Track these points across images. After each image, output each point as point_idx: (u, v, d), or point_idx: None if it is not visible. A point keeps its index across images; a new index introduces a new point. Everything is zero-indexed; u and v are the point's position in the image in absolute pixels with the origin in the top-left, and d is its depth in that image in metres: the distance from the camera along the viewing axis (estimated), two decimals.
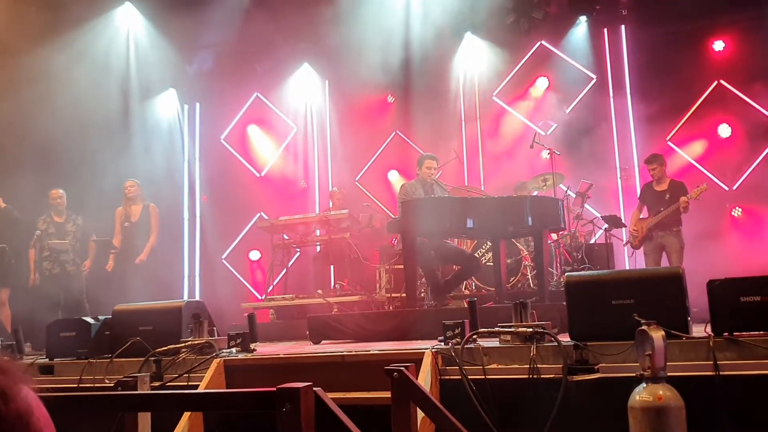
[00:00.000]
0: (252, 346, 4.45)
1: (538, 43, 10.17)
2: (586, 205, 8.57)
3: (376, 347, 4.31)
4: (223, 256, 11.39)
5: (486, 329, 3.88)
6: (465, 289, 7.82)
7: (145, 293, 7.52)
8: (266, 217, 9.84)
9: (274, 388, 2.12)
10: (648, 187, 7.89)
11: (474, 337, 3.83)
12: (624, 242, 7.92)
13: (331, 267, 9.60)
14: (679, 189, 7.59)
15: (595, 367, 3.45)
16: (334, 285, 9.08)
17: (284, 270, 9.24)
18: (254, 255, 11.12)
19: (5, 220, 7.82)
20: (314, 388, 2.17)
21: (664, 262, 7.55)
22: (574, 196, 8.42)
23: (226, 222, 11.22)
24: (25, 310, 7.57)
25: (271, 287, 9.23)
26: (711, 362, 3.26)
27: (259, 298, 10.22)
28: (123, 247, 8.05)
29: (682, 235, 7.51)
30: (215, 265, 11.33)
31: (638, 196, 8.14)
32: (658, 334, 3.06)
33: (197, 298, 10.71)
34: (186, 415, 3.66)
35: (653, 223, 7.53)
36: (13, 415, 0.79)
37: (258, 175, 11.56)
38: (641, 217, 7.83)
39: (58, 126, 8.69)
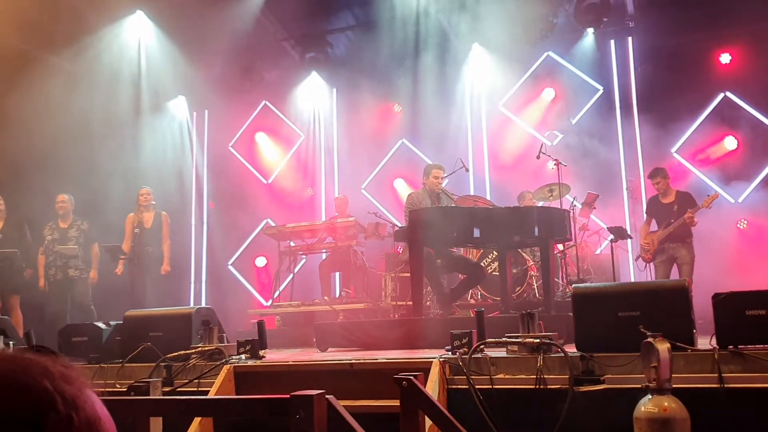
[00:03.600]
0: (261, 353, 4.49)
1: (545, 54, 10.23)
2: (592, 216, 8.61)
3: (383, 355, 4.35)
4: (230, 263, 11.45)
5: (493, 339, 3.92)
6: (471, 298, 7.84)
7: (155, 299, 7.60)
8: (273, 224, 9.90)
9: (288, 395, 2.17)
10: (654, 201, 7.89)
11: (481, 347, 3.88)
12: (636, 257, 7.89)
13: (337, 274, 9.65)
14: (687, 199, 7.59)
15: (601, 378, 3.49)
16: (340, 292, 9.12)
17: (290, 276, 9.29)
18: (260, 261, 11.17)
19: (16, 229, 7.87)
20: (327, 396, 2.22)
21: (674, 274, 7.56)
22: (580, 206, 8.46)
23: (233, 228, 11.28)
24: (33, 316, 7.64)
25: (277, 294, 9.28)
26: (716, 375, 3.29)
27: (265, 304, 10.27)
28: (134, 253, 8.09)
29: (693, 247, 7.52)
30: (221, 272, 11.39)
31: (645, 210, 8.15)
32: (663, 346, 3.10)
33: (203, 304, 10.76)
34: (197, 420, 3.70)
35: (664, 235, 7.52)
36: (85, 424, 0.80)
37: (265, 182, 11.63)
38: (651, 230, 7.83)
39: (69, 132, 8.78)
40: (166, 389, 4.15)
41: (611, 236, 7.76)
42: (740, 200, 9.00)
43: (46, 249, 7.94)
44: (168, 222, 8.35)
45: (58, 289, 7.87)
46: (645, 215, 8.06)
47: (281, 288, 9.47)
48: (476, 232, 6.09)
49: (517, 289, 7.67)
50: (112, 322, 5.00)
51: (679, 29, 9.12)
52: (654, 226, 7.82)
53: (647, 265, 7.88)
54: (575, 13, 9.63)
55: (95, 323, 4.94)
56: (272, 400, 2.30)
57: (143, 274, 8.02)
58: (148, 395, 3.50)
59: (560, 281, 7.60)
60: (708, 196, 7.42)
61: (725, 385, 3.26)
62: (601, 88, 9.96)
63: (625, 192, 9.28)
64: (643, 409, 3.08)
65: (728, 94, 9.32)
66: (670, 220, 7.52)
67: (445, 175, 7.09)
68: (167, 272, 8.12)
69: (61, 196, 8.12)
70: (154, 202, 8.32)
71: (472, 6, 9.45)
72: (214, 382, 4.11)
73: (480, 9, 9.37)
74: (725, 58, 9.35)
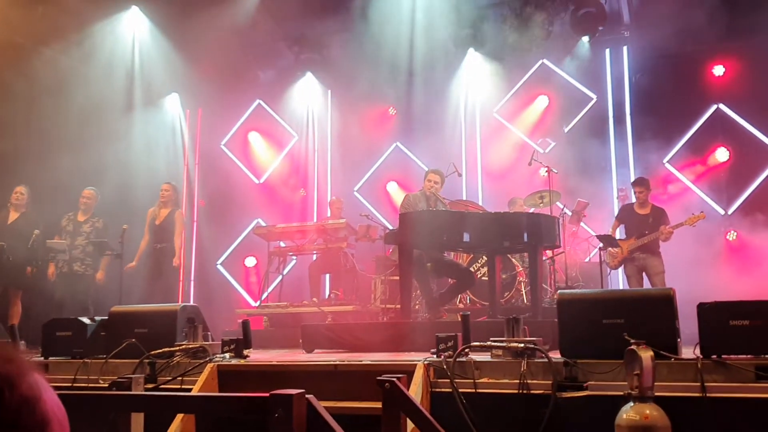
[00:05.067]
0: (245, 352, 4.48)
1: (540, 62, 10.26)
2: (581, 224, 8.63)
3: (368, 358, 4.35)
4: (219, 262, 11.41)
5: (478, 343, 3.92)
6: (459, 302, 7.85)
7: (159, 296, 7.57)
8: (263, 224, 9.88)
9: (268, 394, 2.16)
10: (629, 209, 7.94)
11: (466, 350, 3.87)
12: (600, 261, 7.89)
13: (327, 276, 9.63)
14: (661, 214, 7.70)
15: (584, 385, 3.49)
16: (329, 294, 9.10)
17: (279, 277, 9.27)
18: (250, 261, 11.14)
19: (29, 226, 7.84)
20: (306, 396, 2.21)
21: (645, 284, 7.62)
22: (570, 214, 8.48)
23: (223, 227, 11.25)
24: (33, 309, 7.61)
25: (265, 294, 9.25)
26: (699, 384, 3.30)
27: (253, 304, 10.24)
28: (148, 248, 8.14)
29: (662, 258, 7.60)
30: (210, 270, 11.34)
31: (616, 215, 8.18)
32: (646, 354, 3.10)
33: (191, 302, 10.72)
34: (179, 417, 3.68)
35: (636, 245, 7.59)
36: (17, 401, 0.83)
37: (257, 181, 11.60)
38: (618, 238, 7.87)
39: (60, 126, 8.74)
40: (149, 386, 4.13)
41: (600, 244, 7.79)
42: (730, 212, 9.05)
43: (34, 242, 7.87)
44: (182, 219, 8.37)
45: (61, 282, 7.83)
46: (614, 220, 8.09)
47: (270, 289, 9.45)
48: (466, 237, 6.10)
49: (506, 294, 7.68)
50: (97, 318, 4.97)
51: (674, 40, 9.16)
52: (621, 234, 7.88)
53: (610, 271, 7.94)
54: (571, 21, 9.66)
55: (80, 318, 4.91)
56: (251, 398, 2.28)
57: (151, 270, 8.01)
58: (130, 391, 3.48)
59: (548, 287, 7.61)
60: (693, 214, 7.46)
61: (707, 394, 3.27)
62: (594, 96, 10.00)
63: (615, 201, 9.31)
64: (624, 416, 3.08)
65: (721, 106, 9.37)
66: (644, 231, 7.58)
67: (442, 180, 7.03)
68: (177, 265, 8.18)
69: (87, 191, 8.14)
70: (174, 198, 8.36)
71: (469, 12, 9.46)
72: (197, 380, 4.10)
73: (476, 15, 9.39)
74: (719, 70, 9.41)
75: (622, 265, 7.79)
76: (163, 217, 8.21)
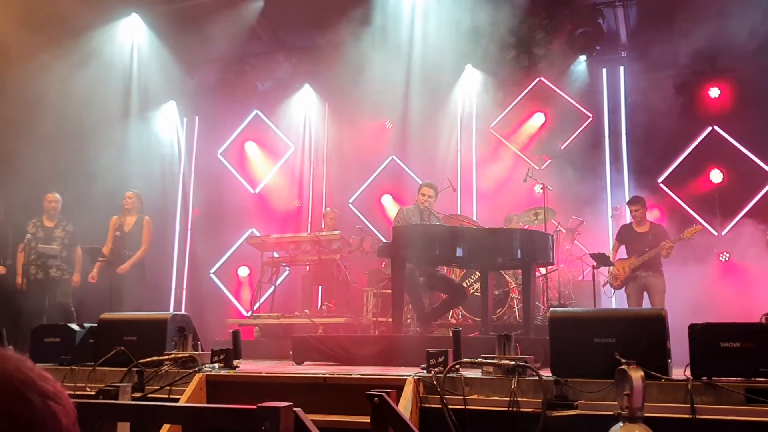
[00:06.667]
0: (235, 362, 4.45)
1: (537, 79, 10.29)
2: (575, 242, 8.64)
3: (358, 371, 4.32)
4: (212, 271, 11.37)
5: (469, 359, 3.91)
6: (451, 318, 7.82)
7: (131, 303, 7.52)
8: (258, 234, 9.85)
9: (255, 406, 2.15)
10: (628, 228, 7.93)
11: (457, 366, 3.86)
12: (603, 283, 7.85)
13: (319, 287, 9.61)
14: (661, 231, 7.70)
15: (574, 404, 3.47)
16: (321, 306, 9.08)
17: (272, 288, 9.25)
18: (243, 271, 11.10)
19: None
20: (294, 409, 2.19)
21: (645, 302, 7.60)
22: (564, 231, 8.49)
23: (217, 236, 11.21)
24: (9, 314, 7.55)
25: (257, 305, 9.22)
26: (688, 405, 3.29)
27: (245, 314, 10.20)
28: (111, 256, 8.00)
29: (664, 276, 7.59)
30: (203, 279, 11.30)
31: (616, 236, 8.18)
32: (637, 375, 3.10)
33: (183, 310, 10.66)
34: (165, 427, 3.65)
35: (638, 263, 7.58)
36: (70, 427, 0.80)
37: (252, 191, 11.59)
38: (619, 257, 7.87)
39: (57, 131, 8.72)
40: (137, 395, 4.10)
41: (594, 263, 7.78)
42: (723, 233, 9.07)
43: (26, 246, 7.83)
44: (149, 227, 8.19)
45: (37, 288, 7.76)
46: (614, 241, 8.09)
47: (262, 299, 9.41)
48: (459, 252, 6.09)
49: (498, 310, 7.66)
50: (86, 324, 4.94)
51: (670, 61, 9.22)
52: (622, 253, 7.87)
53: (614, 291, 7.92)
54: (568, 40, 9.71)
55: (68, 324, 4.87)
56: (239, 410, 2.27)
57: (119, 278, 7.93)
58: (117, 400, 3.45)
59: (541, 305, 7.59)
60: (693, 226, 7.47)
61: (697, 416, 3.26)
62: (590, 115, 10.03)
63: (609, 220, 9.33)
64: None
65: (716, 127, 9.42)
66: (644, 248, 7.57)
67: (436, 194, 7.02)
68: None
69: (51, 195, 8.03)
70: (138, 206, 8.24)
71: (467, 28, 9.51)
72: (185, 389, 4.07)
73: (474, 31, 9.43)
74: (714, 92, 9.46)
75: (626, 285, 7.75)
76: (130, 225, 8.11)
